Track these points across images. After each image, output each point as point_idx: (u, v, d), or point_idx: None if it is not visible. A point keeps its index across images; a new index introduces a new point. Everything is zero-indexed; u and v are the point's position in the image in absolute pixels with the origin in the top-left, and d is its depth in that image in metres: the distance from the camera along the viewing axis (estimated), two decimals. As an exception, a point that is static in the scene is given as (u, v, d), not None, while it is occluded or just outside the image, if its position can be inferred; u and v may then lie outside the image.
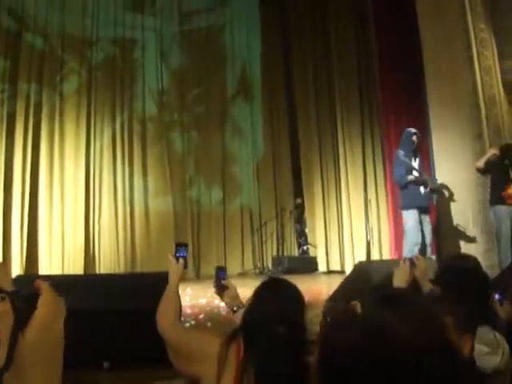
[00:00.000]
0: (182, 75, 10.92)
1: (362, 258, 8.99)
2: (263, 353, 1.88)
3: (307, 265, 10.21)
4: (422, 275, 2.70)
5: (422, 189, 7.49)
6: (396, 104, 9.17)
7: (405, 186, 7.49)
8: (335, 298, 4.78)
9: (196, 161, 10.88)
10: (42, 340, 0.80)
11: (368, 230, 9.22)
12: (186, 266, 2.48)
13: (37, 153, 9.28)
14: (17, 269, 8.53)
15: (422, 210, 7.46)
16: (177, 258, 2.52)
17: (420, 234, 7.32)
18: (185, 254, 2.53)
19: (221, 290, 2.60)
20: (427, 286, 2.62)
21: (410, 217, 7.46)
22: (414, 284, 2.69)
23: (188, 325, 4.29)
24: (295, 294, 2.05)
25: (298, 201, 11.31)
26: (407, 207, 7.51)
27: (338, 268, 10.03)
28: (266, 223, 11.04)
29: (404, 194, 7.61)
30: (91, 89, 9.94)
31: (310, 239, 10.89)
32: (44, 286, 0.83)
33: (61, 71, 9.75)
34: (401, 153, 7.61)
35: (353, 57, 10.08)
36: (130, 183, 10.13)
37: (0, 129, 9.03)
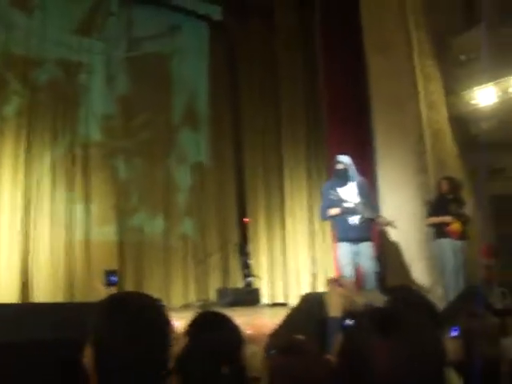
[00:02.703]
0: (128, 101, 10.70)
1: (307, 290, 8.90)
2: None
3: (251, 297, 10.04)
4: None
5: (354, 219, 6.96)
6: (341, 137, 9.21)
7: (328, 219, 7.23)
8: (278, 332, 4.63)
9: (140, 189, 10.62)
10: None
11: (313, 261, 9.16)
12: None
13: (-28, 176, 8.87)
14: None
15: (356, 242, 6.96)
16: (107, 286, 2.34)
17: (351, 268, 6.89)
18: (115, 281, 2.36)
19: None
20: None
21: (340, 250, 7.09)
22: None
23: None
24: (234, 329, 1.90)
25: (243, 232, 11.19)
26: (338, 240, 7.17)
27: (282, 300, 9.90)
28: (210, 254, 10.84)
29: (334, 226, 7.34)
30: (32, 111, 9.58)
31: (254, 271, 10.74)
32: None
33: (2, 92, 9.39)
34: (325, 185, 7.40)
35: (300, 87, 10.15)
36: (70, 210, 9.75)
37: None
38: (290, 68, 10.25)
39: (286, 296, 9.88)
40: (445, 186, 6.98)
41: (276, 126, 10.43)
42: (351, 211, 6.92)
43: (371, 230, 7.20)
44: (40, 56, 9.83)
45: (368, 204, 7.03)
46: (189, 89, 11.59)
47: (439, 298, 6.44)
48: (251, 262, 10.85)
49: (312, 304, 4.68)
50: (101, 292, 2.04)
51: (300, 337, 2.42)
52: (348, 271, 6.86)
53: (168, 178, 10.99)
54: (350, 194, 7.07)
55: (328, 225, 9.43)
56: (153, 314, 1.53)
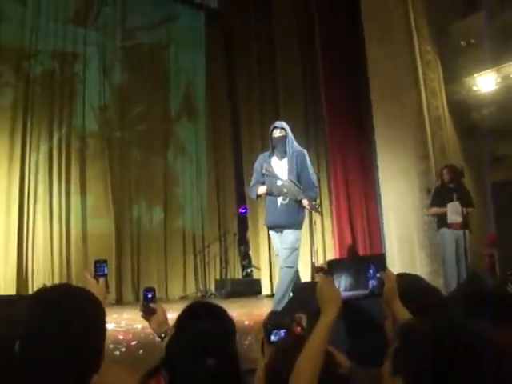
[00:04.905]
0: (125, 92, 10.60)
1: (307, 279, 8.82)
2: None
3: (251, 288, 9.98)
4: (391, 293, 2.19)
5: (279, 200, 5.89)
6: (341, 124, 9.13)
7: (256, 198, 6.21)
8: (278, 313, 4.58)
9: (137, 180, 10.54)
10: None
11: (313, 251, 9.06)
12: (107, 285, 2.22)
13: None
14: None
15: (279, 229, 5.86)
16: (96, 277, 2.25)
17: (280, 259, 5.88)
18: (105, 272, 2.26)
19: (148, 313, 2.32)
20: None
21: (272, 240, 6.16)
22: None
23: (118, 353, 3.97)
24: (223, 320, 1.81)
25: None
26: (267, 227, 6.24)
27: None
28: (209, 245, 10.78)
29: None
30: (28, 103, 9.46)
31: (253, 261, 10.66)
32: None
33: (-4, 84, 9.28)
34: (259, 157, 6.25)
35: (298, 75, 10.04)
36: (66, 202, 9.66)
37: None
38: (287, 56, 10.14)
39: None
40: (446, 175, 6.88)
41: (274, 116, 10.31)
42: (276, 192, 5.91)
43: (299, 215, 6.00)
44: (34, 47, 9.70)
45: (297, 183, 5.91)
46: (186, 79, 11.49)
47: (440, 288, 6.37)
48: (250, 252, 10.79)
49: (308, 293, 4.61)
50: (91, 283, 1.96)
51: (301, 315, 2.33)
52: (278, 261, 5.98)
53: (166, 169, 10.91)
54: (284, 169, 6.03)
55: (327, 215, 9.37)
56: (78, 304, 1.50)
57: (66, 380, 1.37)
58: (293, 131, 8.86)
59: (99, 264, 2.27)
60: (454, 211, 6.64)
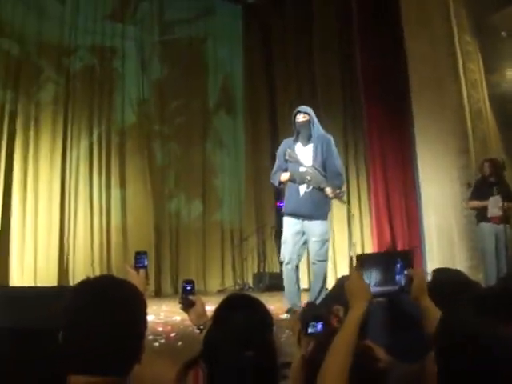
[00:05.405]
0: (163, 86, 10.69)
1: (345, 273, 8.78)
2: (228, 381, 1.64)
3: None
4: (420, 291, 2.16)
5: (301, 188, 5.71)
6: (380, 119, 9.03)
7: (279, 185, 5.99)
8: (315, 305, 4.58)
9: (176, 173, 10.64)
10: None
11: (351, 245, 9.03)
12: (147, 277, 2.25)
13: (10, 163, 8.94)
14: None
15: (301, 218, 5.64)
16: (137, 269, 2.28)
17: (290, 250, 5.65)
18: (145, 264, 2.29)
19: (187, 306, 2.35)
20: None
21: (284, 226, 5.86)
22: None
23: (157, 344, 4.03)
24: (261, 312, 1.82)
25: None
26: (284, 213, 5.92)
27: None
28: (247, 238, 10.81)
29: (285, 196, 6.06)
30: (69, 98, 9.66)
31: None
32: None
33: (37, 80, 9.45)
34: (282, 144, 6.10)
35: (336, 68, 9.96)
36: (106, 195, 9.83)
37: (-28, 137, 8.74)
38: (325, 49, 10.07)
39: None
40: (487, 169, 6.77)
41: (313, 108, 10.24)
42: (299, 179, 5.71)
43: (326, 205, 5.85)
44: (74, 43, 9.88)
45: (320, 170, 5.72)
46: (223, 72, 11.53)
47: (480, 282, 6.28)
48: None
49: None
50: (132, 274, 2.00)
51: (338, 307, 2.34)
52: (285, 251, 5.74)
53: (204, 161, 10.97)
54: (308, 155, 5.83)
55: (365, 208, 9.29)
56: (121, 294, 1.52)
57: (109, 369, 1.40)
58: (331, 126, 8.66)
59: (139, 255, 2.31)
60: (494, 205, 6.54)
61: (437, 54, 7.69)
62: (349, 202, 9.38)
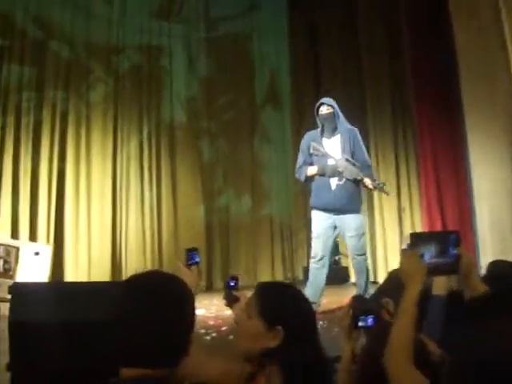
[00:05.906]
0: (210, 82, 10.78)
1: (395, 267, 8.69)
2: None
3: (338, 275, 9.91)
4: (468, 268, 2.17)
5: (332, 181, 5.59)
6: (430, 116, 8.85)
7: (306, 180, 5.84)
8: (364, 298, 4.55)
9: (225, 169, 10.73)
10: None
11: (402, 240, 8.92)
12: (199, 273, 2.29)
13: (63, 161, 9.23)
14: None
15: (335, 213, 5.57)
16: (188, 266, 2.32)
17: (322, 246, 5.65)
18: (197, 260, 2.32)
19: (231, 301, 2.38)
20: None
21: (313, 221, 5.81)
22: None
23: (209, 338, 4.08)
24: (298, 300, 1.86)
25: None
26: (311, 207, 5.85)
27: (371, 279, 9.72)
28: (296, 232, 10.79)
29: (311, 189, 5.91)
30: (118, 97, 9.86)
31: (341, 249, 10.59)
32: None
33: (87, 79, 9.67)
34: (306, 137, 5.99)
35: (384, 64, 9.80)
36: (157, 193, 10.01)
37: (26, 137, 8.98)
38: (372, 47, 9.92)
39: (374, 274, 9.68)
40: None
41: (360, 105, 10.14)
42: (330, 171, 5.59)
43: (360, 197, 5.89)
44: (121, 43, 10.06)
45: (353, 161, 5.62)
46: (270, 68, 11.52)
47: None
48: (338, 240, 10.71)
49: (397, 281, 4.54)
50: (184, 272, 2.01)
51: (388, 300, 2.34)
52: (315, 247, 5.75)
53: (252, 157, 11.01)
54: (335, 147, 5.72)
55: (416, 203, 9.15)
56: (170, 288, 1.55)
57: (158, 362, 1.43)
58: (380, 121, 8.43)
59: (190, 252, 2.33)
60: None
61: (486, 43, 7.49)
62: (399, 196, 9.27)
